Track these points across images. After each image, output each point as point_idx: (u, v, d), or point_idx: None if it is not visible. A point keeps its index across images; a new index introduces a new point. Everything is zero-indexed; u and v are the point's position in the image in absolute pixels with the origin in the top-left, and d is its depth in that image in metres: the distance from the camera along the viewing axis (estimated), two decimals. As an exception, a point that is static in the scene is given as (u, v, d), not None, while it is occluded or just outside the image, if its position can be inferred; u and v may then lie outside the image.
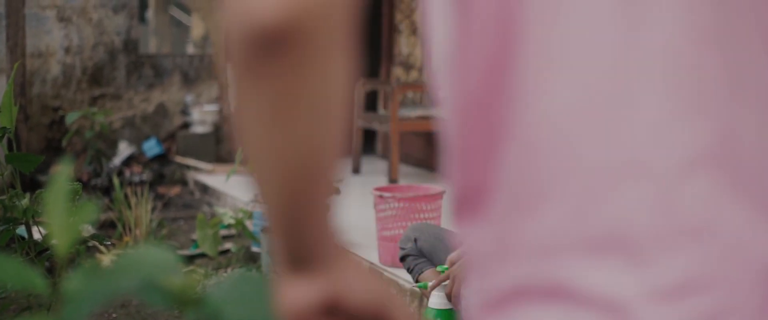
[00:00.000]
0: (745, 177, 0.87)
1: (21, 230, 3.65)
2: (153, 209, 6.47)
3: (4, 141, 3.39)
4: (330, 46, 0.85)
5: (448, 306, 3.22)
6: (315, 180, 0.92)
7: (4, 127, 3.33)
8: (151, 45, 11.88)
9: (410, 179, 7.58)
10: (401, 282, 4.12)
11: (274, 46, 0.84)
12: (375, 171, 7.98)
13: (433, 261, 3.56)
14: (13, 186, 3.44)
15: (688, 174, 0.85)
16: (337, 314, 0.96)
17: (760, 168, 0.88)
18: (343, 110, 0.89)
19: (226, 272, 5.12)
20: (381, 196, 4.57)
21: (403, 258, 3.62)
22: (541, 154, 0.87)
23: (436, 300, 3.25)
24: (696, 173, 0.85)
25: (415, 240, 3.61)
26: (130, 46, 8.62)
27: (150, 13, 11.87)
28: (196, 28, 9.35)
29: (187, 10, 9.57)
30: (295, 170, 0.89)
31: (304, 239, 0.95)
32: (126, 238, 5.42)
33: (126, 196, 6.03)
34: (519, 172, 0.88)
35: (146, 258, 0.83)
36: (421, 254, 3.59)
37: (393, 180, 7.16)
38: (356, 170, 7.79)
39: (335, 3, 0.85)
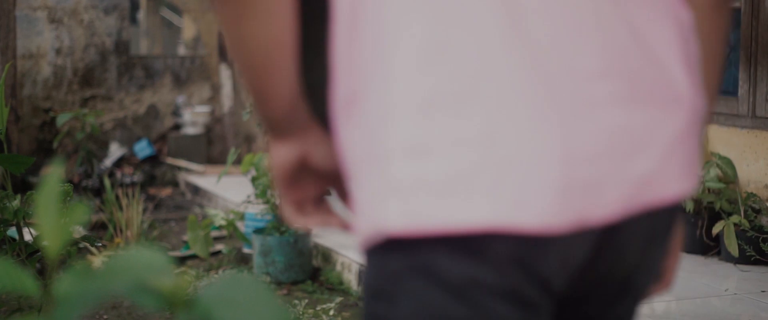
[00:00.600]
0: None
1: (12, 232, 3.64)
2: (144, 210, 6.46)
3: (-5, 142, 3.39)
4: None
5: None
6: (271, 65, 1.24)
7: (-5, 129, 3.32)
8: (143, 46, 11.86)
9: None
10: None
11: None
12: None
13: None
14: (3, 188, 3.43)
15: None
16: (307, 170, 1.30)
17: None
18: (287, 15, 1.21)
19: (217, 273, 5.12)
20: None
21: None
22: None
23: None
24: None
25: None
26: (121, 47, 8.61)
27: (141, 15, 11.86)
28: (188, 29, 9.34)
29: (178, 12, 9.56)
30: (255, 58, 1.23)
31: (274, 112, 1.27)
32: (117, 240, 5.42)
33: (117, 198, 6.02)
34: (377, 89, 1.09)
35: (137, 260, 0.83)
36: None
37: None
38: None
39: None
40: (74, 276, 0.79)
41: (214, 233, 5.85)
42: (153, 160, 8.55)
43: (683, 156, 1.16)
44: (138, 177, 7.99)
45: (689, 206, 5.04)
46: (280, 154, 1.29)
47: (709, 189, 5.09)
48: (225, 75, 8.90)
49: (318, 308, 4.42)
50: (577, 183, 1.05)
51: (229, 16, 1.20)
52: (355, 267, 4.93)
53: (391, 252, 1.09)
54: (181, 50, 9.71)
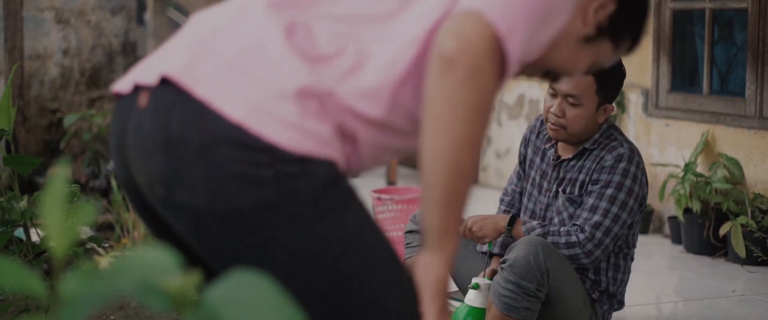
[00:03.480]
0: None
1: (19, 232, 3.65)
2: (151, 211, 6.46)
3: (2, 143, 3.39)
4: (483, 70, 1.40)
5: (482, 306, 3.26)
6: (467, 171, 1.42)
7: (2, 129, 3.32)
8: (149, 47, 11.87)
9: (408, 181, 7.58)
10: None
11: (450, 65, 1.40)
12: (373, 173, 7.98)
13: None
14: (11, 188, 3.44)
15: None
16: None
17: None
18: (488, 119, 1.42)
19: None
20: (379, 198, 4.57)
21: (409, 232, 3.56)
22: None
23: (472, 297, 3.27)
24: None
25: None
26: (129, 48, 8.62)
27: (148, 16, 11.86)
28: (195, 30, 9.34)
29: (185, 12, 9.57)
30: (456, 160, 1.41)
31: (450, 220, 1.45)
32: (124, 240, 5.42)
33: (124, 198, 6.02)
34: None
35: (144, 260, 0.83)
36: None
37: (391, 182, 7.16)
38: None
39: (485, 46, 1.40)
40: (81, 277, 0.79)
41: (221, 234, 5.84)
42: (160, 160, 8.55)
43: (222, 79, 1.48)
44: (145, 177, 7.99)
45: (696, 207, 5.03)
46: (436, 269, 1.46)
47: (716, 190, 5.08)
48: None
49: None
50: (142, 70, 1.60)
51: (460, 77, 1.38)
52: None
53: None
54: (188, 51, 9.71)
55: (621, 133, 3.36)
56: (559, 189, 3.35)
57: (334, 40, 1.47)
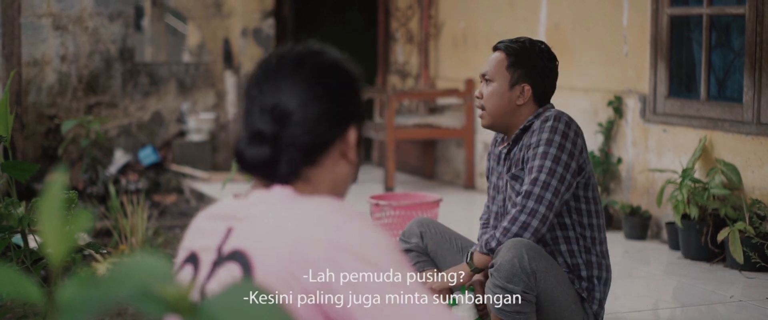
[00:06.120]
0: None
1: (17, 239, 3.65)
2: (149, 217, 6.47)
3: (0, 149, 3.39)
4: None
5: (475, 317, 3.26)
6: None
7: (0, 136, 3.32)
8: (147, 53, 11.87)
9: (406, 187, 7.58)
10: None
11: None
12: (371, 180, 7.98)
13: (437, 262, 3.53)
14: (8, 195, 3.43)
15: None
16: None
17: None
18: None
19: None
20: (377, 204, 4.57)
21: (404, 252, 3.55)
22: None
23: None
24: None
25: (422, 236, 3.55)
26: (126, 54, 8.62)
27: (146, 22, 11.86)
28: (192, 36, 9.35)
29: (183, 19, 9.57)
30: None
31: None
32: (122, 246, 5.42)
33: (122, 204, 6.02)
34: None
35: (142, 267, 0.83)
36: (424, 252, 3.54)
37: (389, 188, 7.16)
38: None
39: None
40: (79, 283, 0.79)
41: (219, 240, 5.84)
42: (158, 166, 8.55)
43: None
44: (143, 184, 7.99)
45: (694, 213, 5.04)
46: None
47: (713, 196, 5.08)
48: (229, 82, 8.91)
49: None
50: None
51: None
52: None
53: None
54: (186, 57, 9.72)
55: (554, 108, 3.38)
56: (506, 176, 3.36)
57: None
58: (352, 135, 1.65)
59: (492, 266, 3.10)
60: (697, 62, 5.62)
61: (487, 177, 3.55)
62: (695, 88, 5.63)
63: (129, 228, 5.47)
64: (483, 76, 3.36)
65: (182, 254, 1.63)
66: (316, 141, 1.61)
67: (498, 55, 3.35)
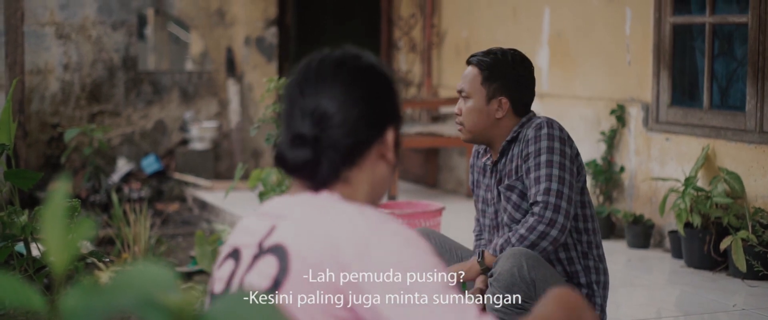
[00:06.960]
0: None
1: (19, 247, 3.65)
2: (151, 226, 6.46)
3: (3, 158, 3.39)
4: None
5: None
6: None
7: (3, 144, 3.33)
8: (150, 62, 11.88)
9: (409, 195, 7.58)
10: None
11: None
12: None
13: None
14: (11, 203, 3.44)
15: None
16: None
17: None
18: None
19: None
20: (379, 213, 4.56)
21: None
22: None
23: None
24: None
25: None
26: (129, 62, 8.63)
27: (149, 30, 11.88)
28: (195, 45, 9.36)
29: (186, 27, 9.58)
30: None
31: None
32: (124, 255, 5.42)
33: (124, 213, 6.03)
34: None
35: (144, 275, 0.83)
36: None
37: (392, 196, 7.16)
38: (355, 187, 7.78)
39: None
40: (81, 292, 0.79)
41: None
42: (160, 175, 8.55)
43: None
44: (145, 192, 8.00)
45: (697, 221, 5.03)
46: None
47: (716, 205, 5.08)
48: (232, 90, 8.92)
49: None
50: None
51: None
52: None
53: None
54: (189, 66, 9.73)
55: (537, 115, 3.37)
56: (499, 188, 3.35)
57: None
58: (390, 136, 1.70)
59: (491, 275, 3.10)
60: (699, 71, 5.62)
61: (473, 191, 3.54)
62: (698, 96, 5.63)
63: (132, 237, 5.47)
64: (460, 92, 3.35)
65: (225, 250, 1.69)
66: (355, 142, 1.66)
67: (471, 70, 3.33)
